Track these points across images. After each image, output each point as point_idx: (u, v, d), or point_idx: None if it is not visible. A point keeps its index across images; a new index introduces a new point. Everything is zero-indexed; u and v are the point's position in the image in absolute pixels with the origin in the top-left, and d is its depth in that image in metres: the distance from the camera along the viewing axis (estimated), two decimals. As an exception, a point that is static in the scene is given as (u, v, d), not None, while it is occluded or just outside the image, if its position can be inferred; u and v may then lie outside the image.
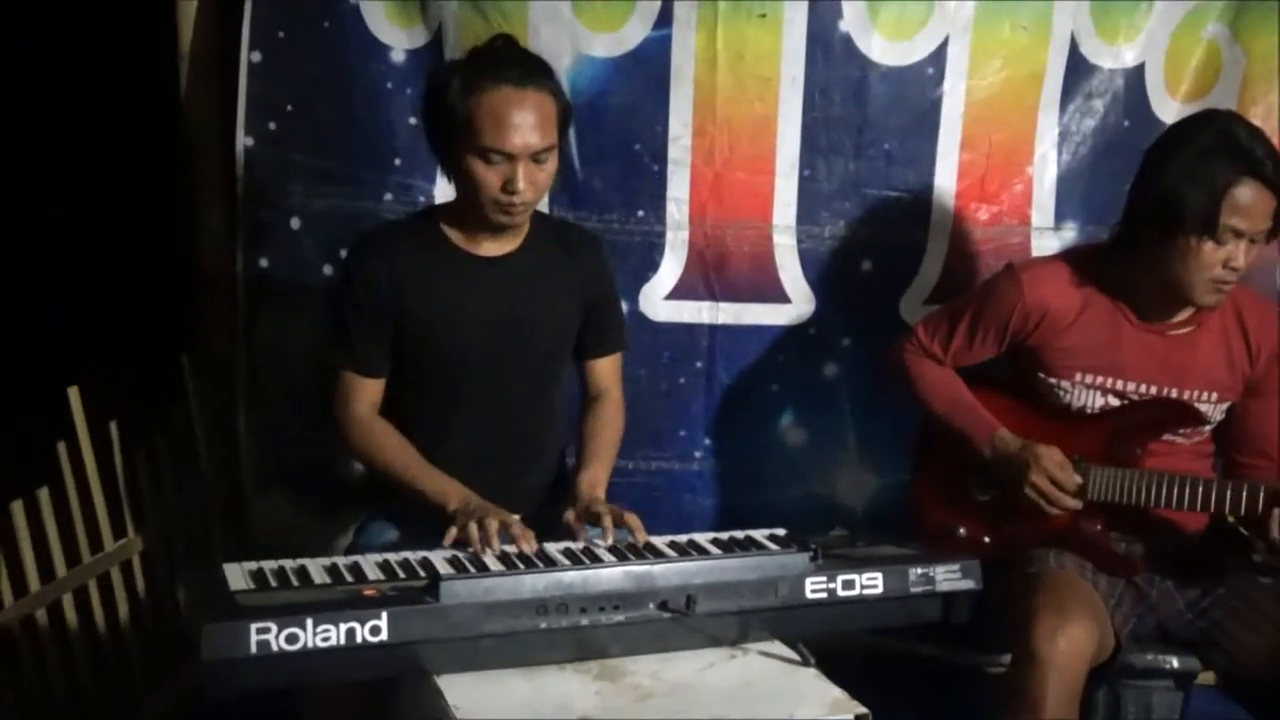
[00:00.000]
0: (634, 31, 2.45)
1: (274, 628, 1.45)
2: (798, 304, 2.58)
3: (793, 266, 2.56)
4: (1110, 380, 2.12)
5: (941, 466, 2.26)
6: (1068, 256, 2.24)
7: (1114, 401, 2.12)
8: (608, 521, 1.85)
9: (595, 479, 2.02)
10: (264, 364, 2.60)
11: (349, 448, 2.04)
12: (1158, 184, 2.01)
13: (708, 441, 2.64)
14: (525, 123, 1.90)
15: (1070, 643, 1.88)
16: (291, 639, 1.45)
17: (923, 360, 2.26)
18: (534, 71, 1.93)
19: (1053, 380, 2.15)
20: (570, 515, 1.92)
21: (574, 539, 1.86)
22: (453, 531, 1.82)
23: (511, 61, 1.93)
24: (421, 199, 2.50)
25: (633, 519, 1.86)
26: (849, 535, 1.96)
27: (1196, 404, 2.10)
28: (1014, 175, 2.54)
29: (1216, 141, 1.97)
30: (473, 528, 1.80)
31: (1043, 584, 2.00)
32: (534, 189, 1.95)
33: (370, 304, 2.01)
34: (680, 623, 1.62)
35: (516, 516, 1.85)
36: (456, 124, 1.91)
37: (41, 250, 4.14)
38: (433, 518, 1.91)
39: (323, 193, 2.55)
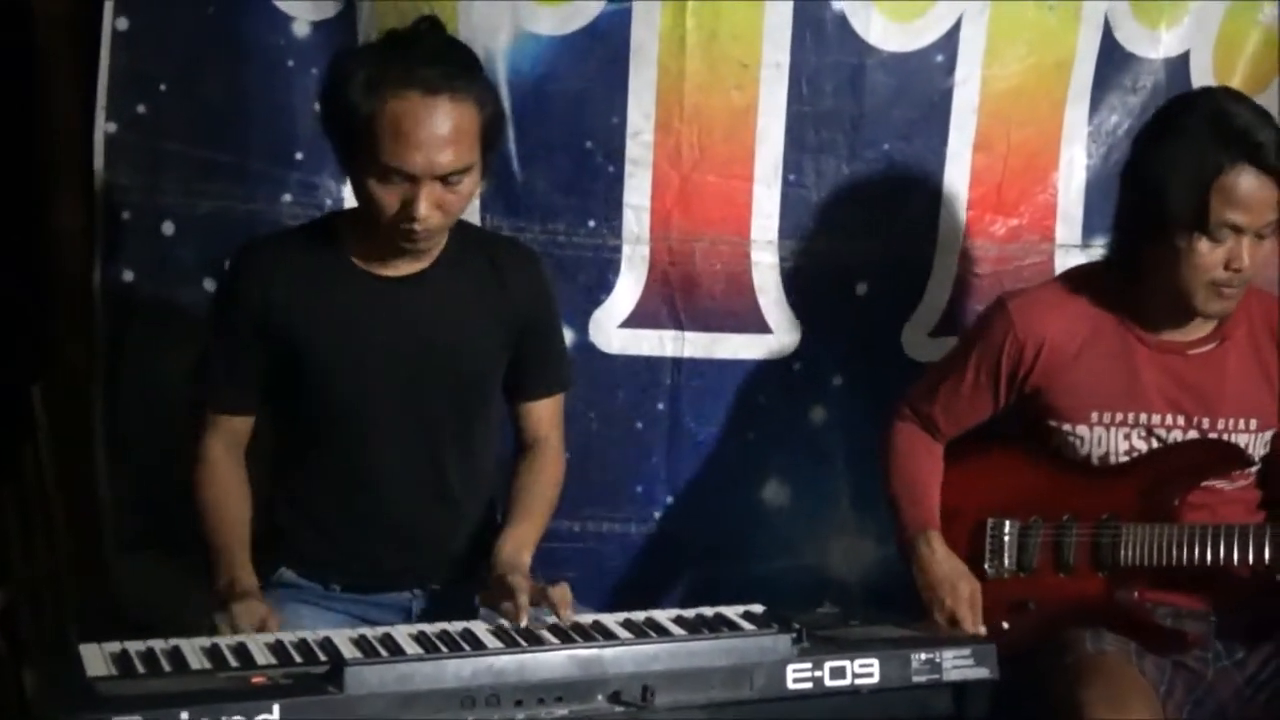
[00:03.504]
0: (586, 4, 2.49)
1: (140, 723, 1.45)
2: (780, 334, 2.62)
3: (774, 289, 2.60)
4: (1132, 415, 2.17)
5: (948, 536, 2.28)
6: (1063, 279, 2.31)
7: (1139, 442, 2.17)
8: (522, 599, 1.86)
9: (520, 542, 2.04)
10: (128, 397, 2.60)
11: (191, 491, 2.07)
12: (1144, 175, 2.08)
13: (670, 499, 2.67)
14: (433, 139, 1.90)
15: None
16: (162, 737, 1.46)
17: (913, 430, 2.31)
18: (454, 73, 1.93)
19: (1066, 426, 2.20)
20: (482, 598, 1.94)
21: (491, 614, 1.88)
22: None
23: (429, 58, 1.92)
24: (329, 202, 2.52)
25: (559, 594, 1.87)
26: (840, 613, 1.99)
27: (1234, 434, 2.15)
28: (1037, 182, 2.61)
29: (1207, 124, 2.03)
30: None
31: (1087, 673, 2.03)
32: (441, 215, 1.96)
33: (241, 328, 2.04)
34: (636, 719, 1.63)
35: (266, 612, 1.87)
36: (355, 128, 1.92)
37: None
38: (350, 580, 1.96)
39: (205, 192, 2.56)
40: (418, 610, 2.12)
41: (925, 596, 2.17)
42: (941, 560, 2.18)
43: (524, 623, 1.83)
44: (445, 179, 1.93)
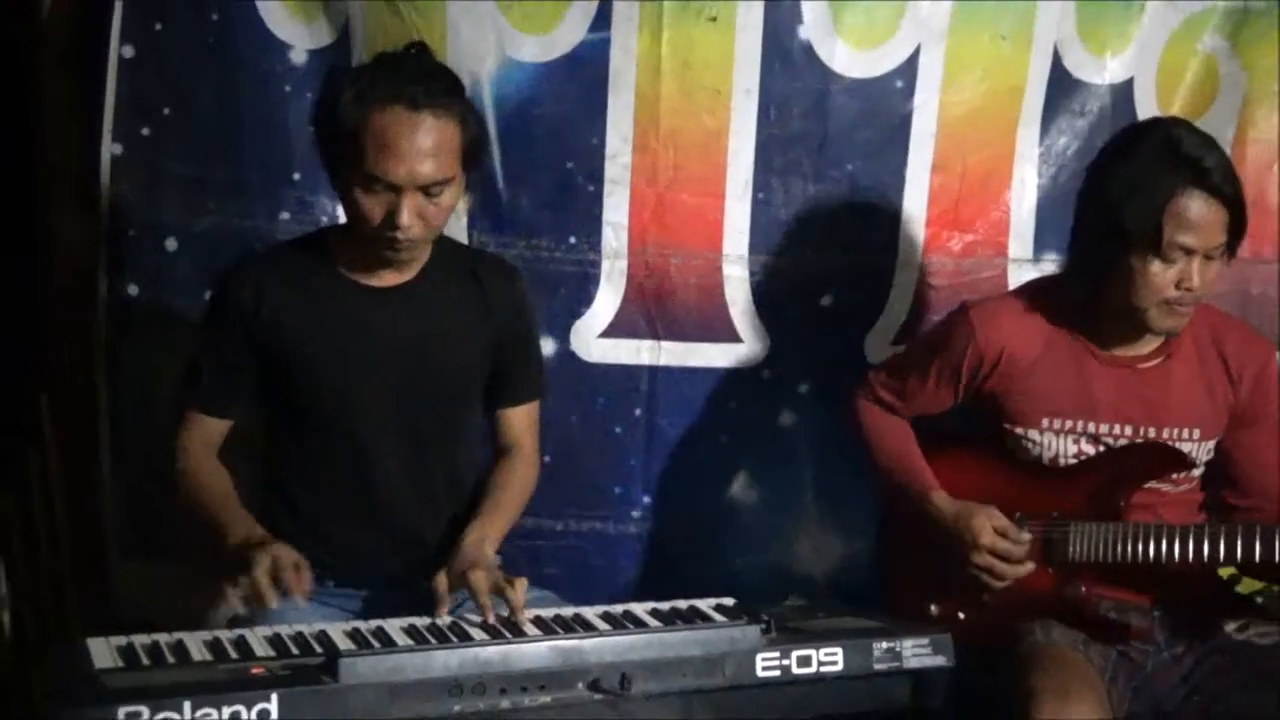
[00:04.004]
0: (568, 33, 2.50)
1: (145, 712, 1.45)
2: (750, 343, 2.63)
3: (744, 301, 2.61)
4: (1081, 423, 2.19)
5: (909, 532, 2.31)
6: (1023, 291, 2.32)
7: (1087, 447, 2.19)
8: (483, 599, 1.84)
9: (482, 535, 2.04)
10: (131, 405, 2.59)
11: (178, 487, 2.08)
12: (1099, 200, 2.10)
13: (647, 499, 2.67)
14: (415, 150, 1.91)
15: None
16: (166, 725, 1.46)
17: (876, 409, 2.33)
18: (437, 92, 1.95)
19: (1019, 430, 2.21)
20: (439, 579, 1.93)
21: (436, 605, 1.88)
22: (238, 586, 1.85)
23: (414, 77, 1.95)
24: (324, 219, 2.53)
25: (516, 594, 1.85)
26: (806, 606, 2.00)
27: (1178, 443, 2.17)
28: (990, 201, 2.63)
29: (1159, 150, 2.05)
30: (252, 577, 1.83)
31: (1037, 663, 2.05)
32: (423, 225, 1.97)
33: (231, 334, 2.05)
34: (614, 706, 1.64)
35: (296, 557, 1.87)
36: (343, 139, 1.94)
37: None
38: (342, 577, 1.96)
39: (205, 209, 2.56)
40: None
41: (954, 552, 2.18)
42: (948, 509, 2.20)
43: (490, 619, 1.83)
44: (427, 190, 1.94)
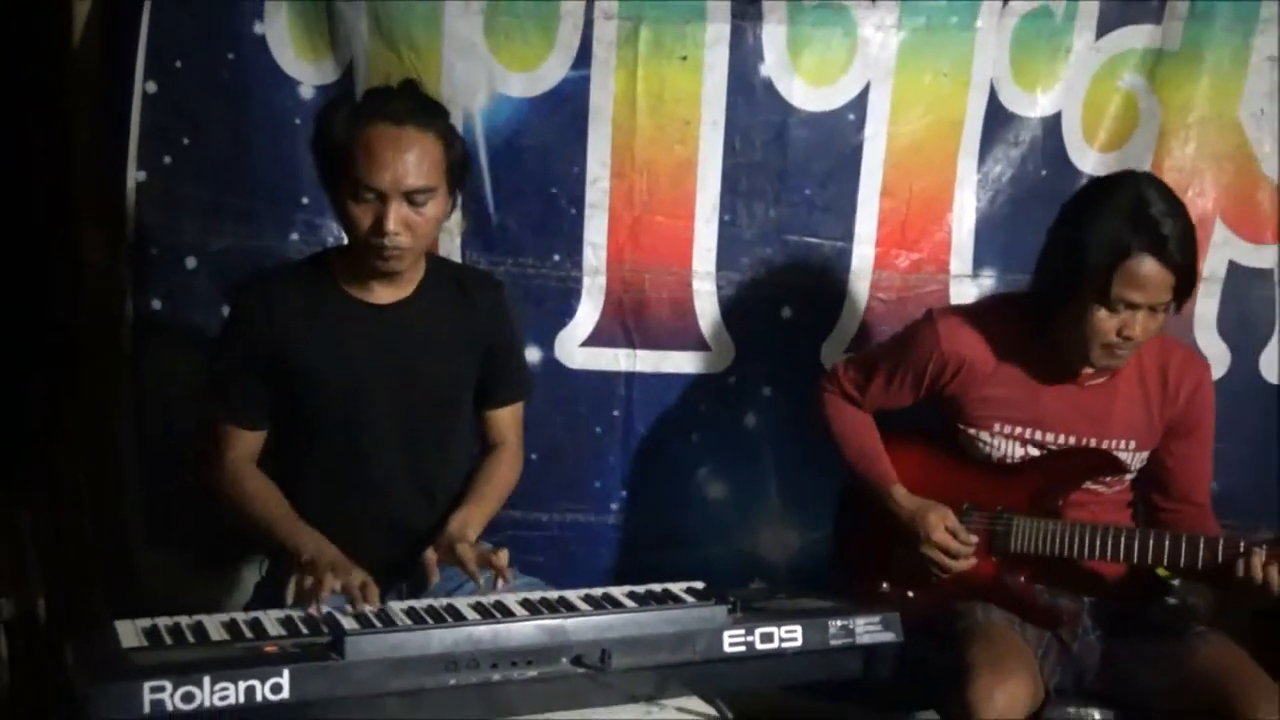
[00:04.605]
0: (552, 71, 2.51)
1: (169, 686, 1.45)
2: (717, 351, 2.64)
3: (712, 313, 2.62)
4: (1029, 431, 2.19)
5: (864, 519, 2.32)
6: (987, 305, 2.33)
7: (1032, 450, 2.20)
8: (471, 567, 1.88)
9: (467, 519, 2.05)
10: (154, 410, 2.58)
11: (219, 497, 2.06)
12: (1064, 241, 2.09)
13: (625, 493, 2.67)
14: (399, 160, 1.92)
15: (1009, 699, 1.94)
16: (187, 698, 1.46)
17: (841, 402, 2.33)
18: (420, 111, 1.97)
19: (973, 431, 2.22)
20: (429, 552, 1.94)
21: (426, 577, 1.90)
22: (292, 585, 1.84)
23: (399, 99, 1.97)
24: (330, 239, 2.52)
25: (500, 559, 1.88)
26: (768, 588, 2.01)
27: (1116, 452, 2.18)
28: (934, 223, 2.63)
29: (1126, 208, 2.01)
30: (305, 581, 1.83)
31: (976, 639, 2.06)
32: (410, 233, 1.97)
33: (249, 352, 2.04)
34: (594, 678, 1.65)
35: (365, 577, 1.86)
36: (336, 155, 1.95)
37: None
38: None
39: (222, 231, 2.55)
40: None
41: (906, 537, 2.18)
42: (907, 505, 2.20)
43: (479, 583, 1.86)
44: (411, 199, 1.94)
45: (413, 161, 1.93)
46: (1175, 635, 2.11)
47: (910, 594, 2.23)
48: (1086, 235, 2.03)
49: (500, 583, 1.90)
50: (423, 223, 1.97)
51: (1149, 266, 1.99)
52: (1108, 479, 2.21)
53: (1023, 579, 2.18)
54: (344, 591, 1.82)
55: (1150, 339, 2.11)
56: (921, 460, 2.28)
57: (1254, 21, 2.56)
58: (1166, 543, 2.06)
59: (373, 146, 1.92)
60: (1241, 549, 2.00)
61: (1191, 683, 2.03)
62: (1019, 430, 2.19)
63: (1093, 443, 2.18)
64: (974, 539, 2.17)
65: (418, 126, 1.94)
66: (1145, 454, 2.21)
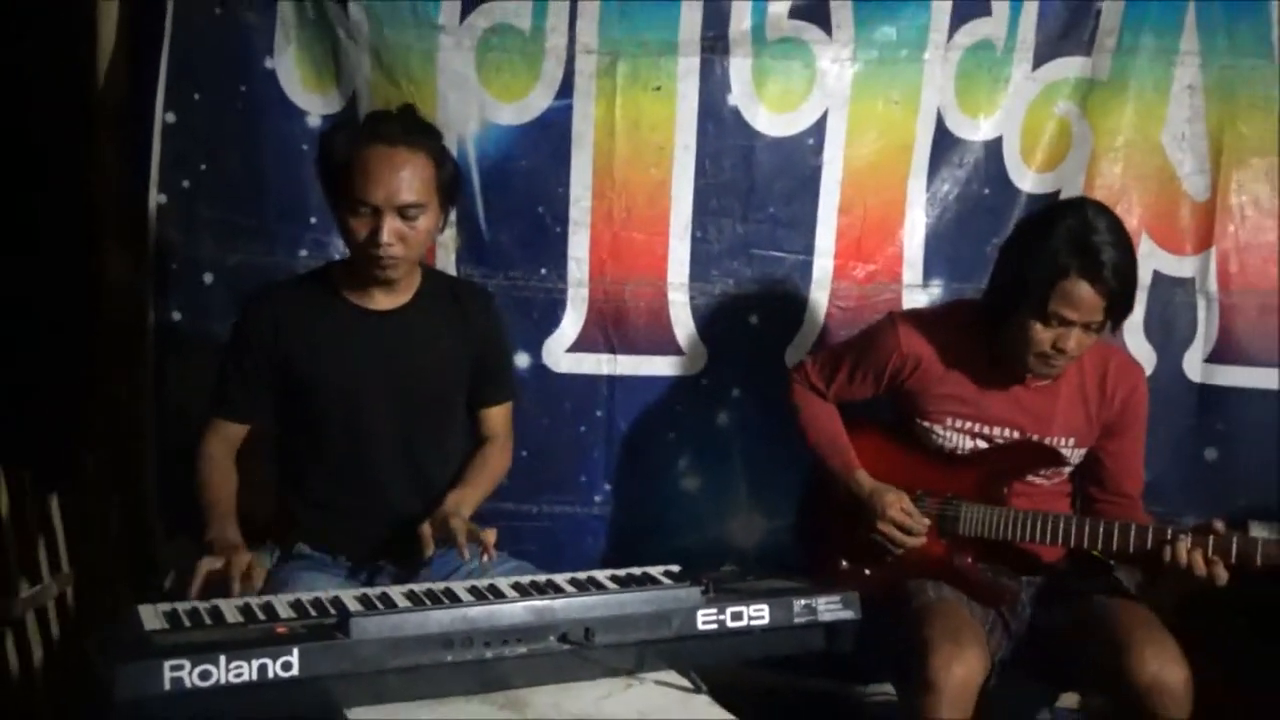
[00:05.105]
0: (538, 100, 2.53)
1: (187, 664, 1.45)
2: (691, 356, 2.65)
3: (686, 321, 2.63)
4: (977, 426, 2.21)
5: (827, 502, 2.33)
6: (944, 310, 2.34)
7: (982, 445, 2.21)
8: (460, 539, 1.89)
9: (461, 498, 2.06)
10: (173, 412, 2.58)
11: (193, 474, 2.07)
12: (1013, 256, 2.11)
13: (607, 487, 2.68)
14: (392, 177, 1.94)
15: (966, 670, 1.95)
16: (205, 675, 1.46)
17: (808, 393, 2.34)
18: (413, 132, 1.98)
19: (927, 424, 2.23)
20: (425, 526, 1.95)
21: (422, 549, 1.91)
22: (200, 571, 1.84)
23: (395, 123, 1.99)
24: (336, 255, 2.51)
25: (488, 535, 1.90)
26: (738, 571, 2.00)
27: (1057, 449, 2.19)
28: (887, 237, 2.65)
29: (1070, 233, 2.00)
30: (204, 564, 1.84)
31: (932, 615, 2.06)
32: (403, 245, 1.98)
33: (251, 353, 2.05)
34: (579, 654, 1.65)
35: (250, 560, 1.87)
36: (336, 173, 1.97)
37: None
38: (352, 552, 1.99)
39: (236, 248, 2.56)
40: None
41: (868, 522, 2.19)
42: (867, 488, 2.20)
43: (468, 557, 1.89)
44: (404, 213, 1.95)
45: (405, 179, 1.94)
46: (1101, 609, 2.11)
47: (867, 571, 2.24)
48: (1032, 254, 2.04)
49: (485, 557, 1.91)
50: (415, 235, 1.99)
51: (1084, 289, 2.00)
52: (1048, 471, 2.22)
53: (969, 559, 2.19)
54: (226, 571, 1.82)
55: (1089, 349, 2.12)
56: (880, 449, 2.29)
57: (1175, 54, 2.59)
58: (1101, 529, 2.08)
59: (369, 165, 1.93)
60: (1169, 536, 2.02)
61: (1090, 620, 2.05)
62: (968, 425, 2.21)
63: (1035, 438, 2.20)
64: (926, 521, 2.18)
65: (410, 147, 1.96)
66: (1083, 450, 2.22)
